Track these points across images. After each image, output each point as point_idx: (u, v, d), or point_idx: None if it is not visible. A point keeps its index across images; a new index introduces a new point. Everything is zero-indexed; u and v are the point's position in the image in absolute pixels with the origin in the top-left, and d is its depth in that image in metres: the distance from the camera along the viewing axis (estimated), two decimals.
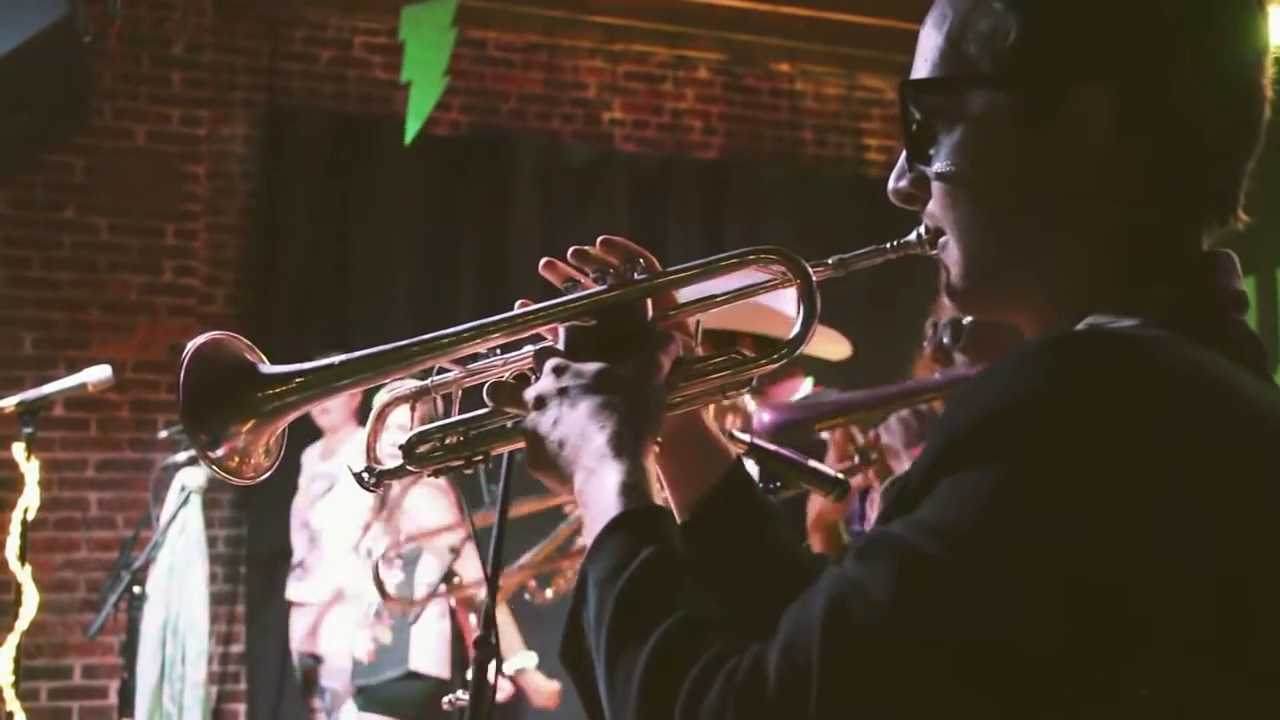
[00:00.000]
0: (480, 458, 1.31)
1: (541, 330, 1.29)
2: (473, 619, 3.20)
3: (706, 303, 1.31)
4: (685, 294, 1.32)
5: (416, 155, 6.00)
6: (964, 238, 1.09)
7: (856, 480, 2.85)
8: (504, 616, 4.64)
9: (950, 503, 0.90)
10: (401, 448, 1.32)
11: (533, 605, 3.33)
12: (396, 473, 1.33)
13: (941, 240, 1.12)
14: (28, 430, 3.31)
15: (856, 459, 2.84)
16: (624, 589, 1.01)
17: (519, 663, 4.72)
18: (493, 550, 2.20)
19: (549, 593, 3.05)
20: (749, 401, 2.50)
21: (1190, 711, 0.88)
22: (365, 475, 1.35)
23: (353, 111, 6.57)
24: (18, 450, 3.32)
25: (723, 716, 0.89)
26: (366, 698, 4.89)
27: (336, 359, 1.31)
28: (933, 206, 1.11)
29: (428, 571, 4.68)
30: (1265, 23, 1.06)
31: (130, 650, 4.00)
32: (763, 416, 2.61)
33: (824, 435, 2.88)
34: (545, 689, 4.78)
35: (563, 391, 1.19)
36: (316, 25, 6.59)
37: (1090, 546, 0.86)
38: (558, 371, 1.21)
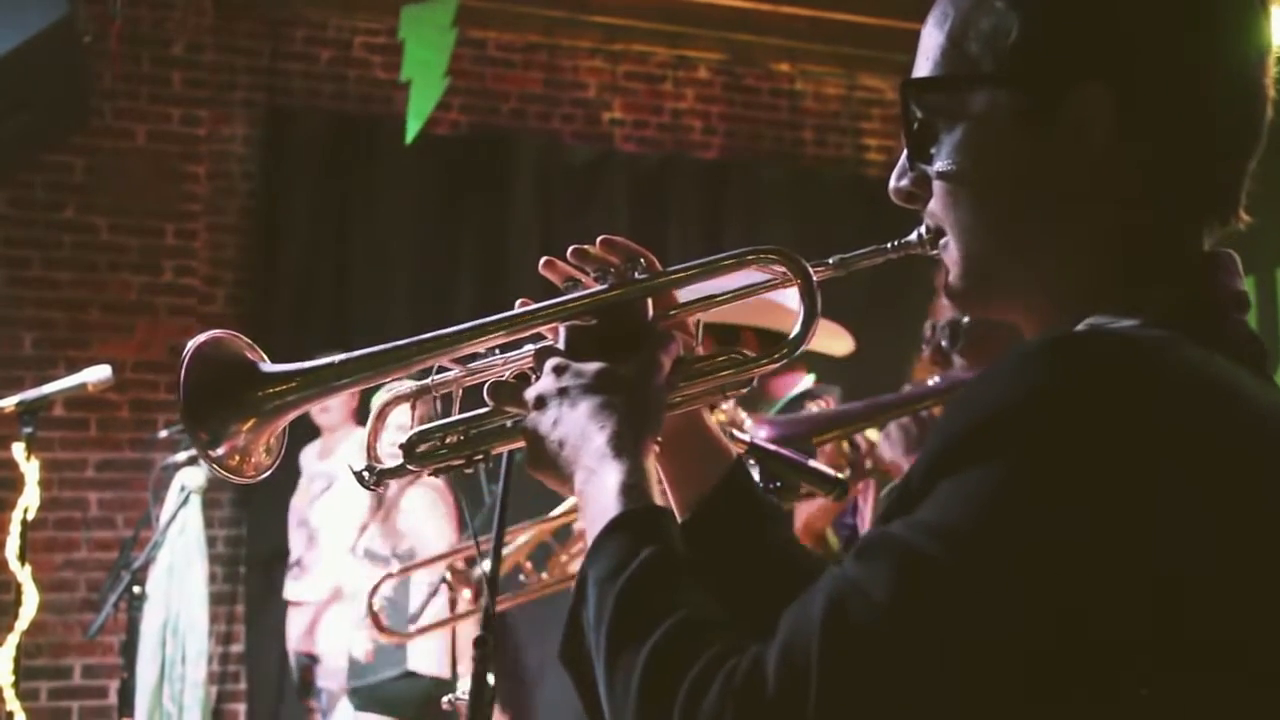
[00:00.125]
0: (480, 457, 1.31)
1: (542, 329, 1.29)
2: (467, 594, 3.19)
3: (707, 302, 1.31)
4: (685, 293, 1.32)
5: (416, 155, 6.00)
6: (965, 237, 1.09)
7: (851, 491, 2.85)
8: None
9: (950, 503, 0.90)
10: (402, 447, 1.32)
11: (534, 605, 3.32)
12: (397, 471, 1.33)
13: (943, 241, 1.12)
14: (28, 430, 3.31)
15: (849, 471, 2.83)
16: (624, 589, 1.01)
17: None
18: (493, 551, 2.20)
19: (544, 575, 3.04)
20: (744, 417, 2.49)
21: (1190, 711, 0.88)
22: (365, 474, 1.35)
23: (353, 111, 6.57)
24: (18, 450, 3.32)
25: (722, 717, 0.89)
26: (365, 697, 4.89)
27: (337, 358, 1.31)
28: (934, 206, 1.11)
29: (423, 584, 4.67)
30: (1267, 22, 1.06)
31: (130, 650, 3.99)
32: (758, 432, 2.60)
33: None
34: None
35: (563, 391, 1.19)
36: (316, 25, 6.59)
37: (1090, 546, 0.86)
38: (558, 371, 1.21)
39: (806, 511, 2.82)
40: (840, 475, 1.75)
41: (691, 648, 0.94)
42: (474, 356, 1.31)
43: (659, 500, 1.12)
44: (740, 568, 1.27)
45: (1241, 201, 1.08)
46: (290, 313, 6.29)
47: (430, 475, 1.33)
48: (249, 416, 1.29)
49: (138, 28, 6.06)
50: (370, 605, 2.72)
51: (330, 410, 5.24)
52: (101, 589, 5.17)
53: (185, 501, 4.42)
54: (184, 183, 6.18)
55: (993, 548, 0.87)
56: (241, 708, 6.10)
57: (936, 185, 1.10)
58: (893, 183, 1.15)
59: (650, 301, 1.27)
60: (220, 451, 1.28)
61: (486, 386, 1.29)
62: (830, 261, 1.25)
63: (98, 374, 3.33)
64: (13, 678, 3.37)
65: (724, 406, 2.05)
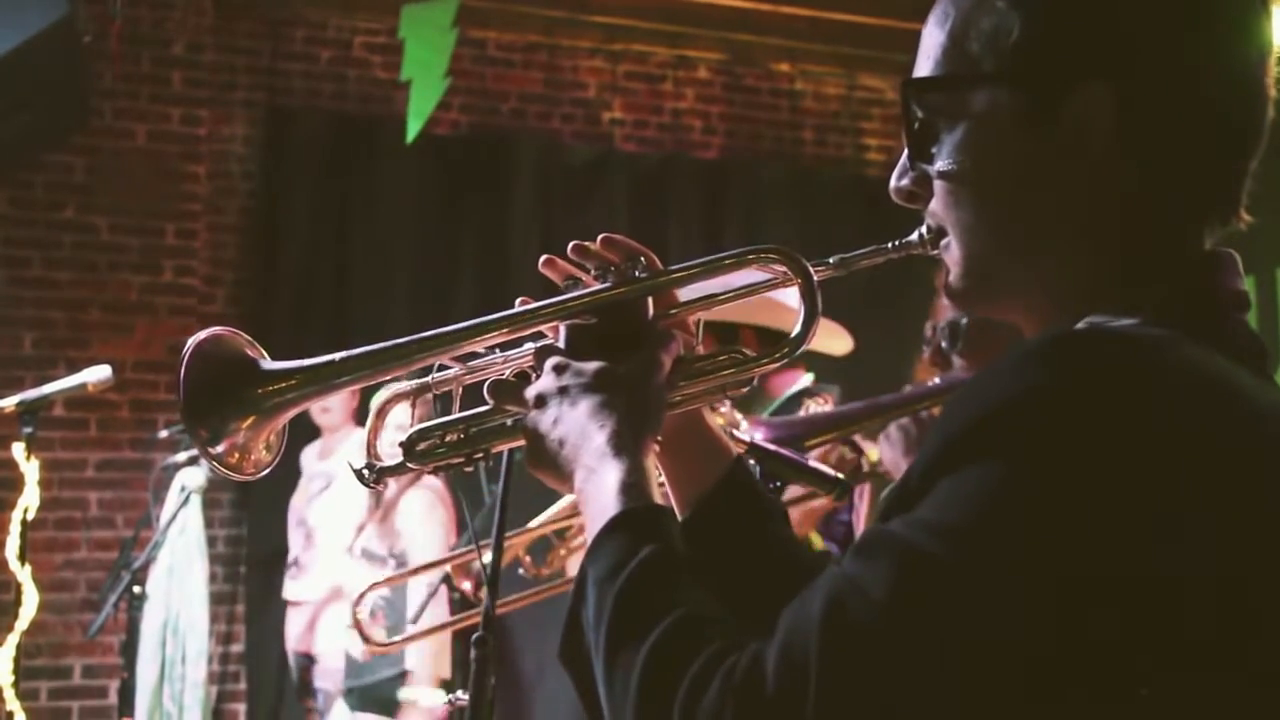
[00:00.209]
0: (480, 455, 1.31)
1: (542, 328, 1.29)
2: (467, 585, 3.17)
3: (708, 301, 1.31)
4: (686, 293, 1.32)
5: (417, 155, 6.00)
6: (965, 236, 1.09)
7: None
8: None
9: (950, 501, 0.90)
10: (402, 445, 1.32)
11: (533, 606, 3.31)
12: (397, 469, 1.33)
13: (944, 241, 1.12)
14: (28, 430, 3.31)
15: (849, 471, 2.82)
16: (623, 587, 1.01)
17: (416, 695, 4.69)
18: (493, 550, 2.20)
19: (544, 569, 3.03)
20: (740, 418, 2.48)
21: (1190, 711, 0.88)
22: (365, 472, 1.35)
23: (353, 111, 6.57)
24: (18, 450, 3.32)
25: (721, 715, 0.89)
26: (362, 697, 4.89)
27: (338, 355, 1.31)
28: (934, 205, 1.11)
29: (422, 584, 4.67)
30: (1268, 22, 1.06)
31: (130, 650, 4.00)
32: (755, 434, 2.59)
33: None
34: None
35: (563, 390, 1.19)
36: (316, 25, 6.59)
37: (1090, 545, 0.86)
38: (558, 370, 1.21)
39: (794, 515, 2.81)
40: (840, 475, 1.75)
41: (691, 646, 0.94)
42: (474, 355, 1.32)
43: (659, 499, 1.12)
44: (741, 566, 1.27)
45: (1242, 201, 1.08)
46: (290, 312, 6.29)
47: (430, 473, 1.33)
48: (249, 414, 1.29)
49: (138, 28, 6.05)
50: (354, 614, 2.70)
51: (331, 410, 5.24)
52: (101, 589, 5.17)
53: (185, 501, 4.43)
54: (184, 183, 6.18)
55: (992, 546, 0.87)
56: (241, 708, 6.10)
57: (937, 185, 1.10)
58: (893, 182, 1.15)
59: (651, 300, 1.27)
60: (220, 449, 1.28)
61: (487, 385, 1.29)
62: (831, 261, 1.25)
63: (98, 374, 3.33)
64: (13, 678, 3.36)
65: (721, 410, 2.04)
